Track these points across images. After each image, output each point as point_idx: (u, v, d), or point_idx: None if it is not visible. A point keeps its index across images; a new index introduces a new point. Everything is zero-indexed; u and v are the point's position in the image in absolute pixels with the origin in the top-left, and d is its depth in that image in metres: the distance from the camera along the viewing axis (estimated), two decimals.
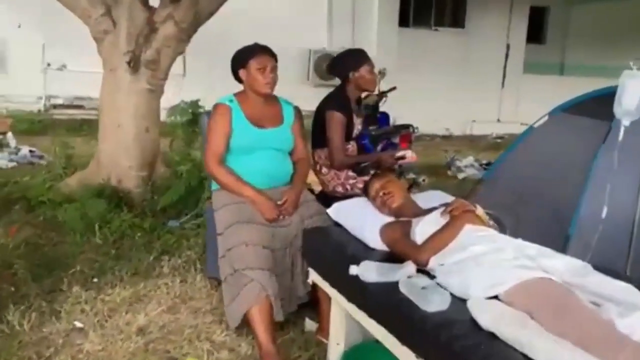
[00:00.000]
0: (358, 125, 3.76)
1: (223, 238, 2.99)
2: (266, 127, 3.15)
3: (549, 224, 3.94)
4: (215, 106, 3.15)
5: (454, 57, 11.65)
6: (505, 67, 12.18)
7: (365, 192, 2.93)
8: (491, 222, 2.51)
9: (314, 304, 3.11)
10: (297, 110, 3.40)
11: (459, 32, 12.06)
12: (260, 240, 2.90)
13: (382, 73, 6.26)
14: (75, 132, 8.62)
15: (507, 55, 12.10)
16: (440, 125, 11.33)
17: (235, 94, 3.19)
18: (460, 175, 7.23)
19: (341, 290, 2.49)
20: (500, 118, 12.14)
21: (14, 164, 6.94)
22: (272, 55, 3.17)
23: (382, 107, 6.12)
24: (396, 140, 5.13)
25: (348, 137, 3.64)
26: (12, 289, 3.32)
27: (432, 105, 10.92)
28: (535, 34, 13.14)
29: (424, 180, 5.14)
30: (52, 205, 4.59)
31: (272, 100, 3.24)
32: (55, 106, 10.69)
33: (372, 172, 3.50)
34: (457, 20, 12.15)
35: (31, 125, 9.46)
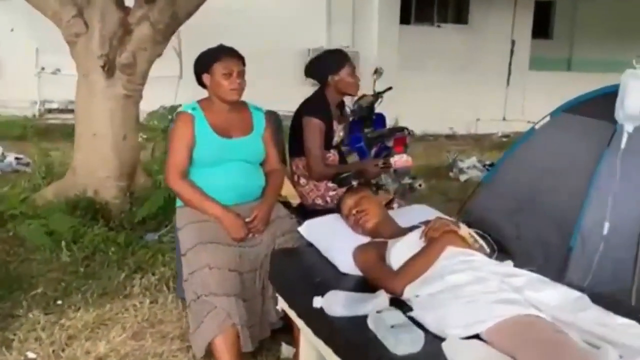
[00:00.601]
0: (340, 132, 3.47)
1: (186, 260, 2.72)
2: (233, 137, 2.86)
3: (550, 233, 3.66)
4: (177, 115, 2.88)
5: (458, 54, 11.30)
6: (510, 63, 11.81)
7: (338, 209, 2.65)
8: (477, 245, 2.21)
9: (290, 328, 2.83)
10: (271, 116, 3.12)
11: (463, 29, 11.72)
12: (226, 262, 2.62)
13: (379, 72, 5.99)
14: (69, 137, 8.36)
15: (512, 51, 11.74)
16: (443, 125, 11.01)
17: (199, 101, 2.91)
18: (463, 177, 6.92)
19: (308, 322, 2.21)
20: (505, 116, 11.79)
21: None
22: (240, 59, 2.89)
23: (378, 108, 5.87)
24: (390, 143, 4.87)
25: (328, 145, 3.35)
26: None
27: (436, 104, 10.60)
28: (542, 28, 12.73)
29: (420, 185, 4.85)
30: (23, 219, 4.34)
31: (240, 106, 2.96)
32: (50, 110, 10.51)
33: (354, 183, 3.22)
34: (460, 16, 11.81)
35: (24, 131, 9.22)
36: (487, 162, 7.15)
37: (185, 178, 2.80)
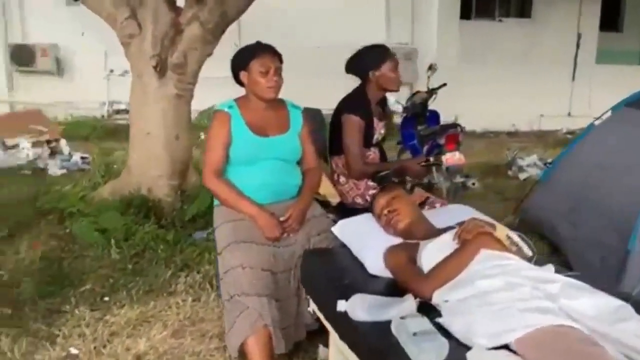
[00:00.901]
0: (381, 130, 3.38)
1: (221, 259, 2.72)
2: (269, 135, 2.84)
3: (608, 234, 3.47)
4: (213, 113, 2.87)
5: (520, 49, 10.92)
6: (576, 57, 11.30)
7: (371, 209, 2.57)
8: (514, 247, 2.08)
9: (326, 330, 2.77)
10: (310, 113, 3.07)
11: (526, 23, 11.30)
12: (259, 262, 2.59)
13: (433, 69, 5.84)
14: None
15: (578, 45, 11.23)
16: (505, 121, 10.66)
17: (237, 99, 2.90)
18: (522, 176, 6.65)
19: (334, 326, 2.15)
20: (571, 112, 11.30)
21: (64, 170, 6.95)
22: (277, 56, 2.85)
23: (433, 105, 5.73)
24: (442, 140, 4.73)
25: (368, 142, 3.27)
26: (9, 311, 3.15)
27: (497, 100, 10.27)
28: (611, 21, 12.11)
29: (473, 184, 4.71)
30: (79, 217, 4.46)
31: (277, 104, 2.93)
32: (117, 111, 10.83)
33: (394, 181, 3.13)
34: (523, 9, 11.40)
35: (92, 131, 9.55)
36: (549, 160, 6.84)
37: (221, 177, 2.79)
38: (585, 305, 1.70)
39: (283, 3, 10.00)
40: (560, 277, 1.87)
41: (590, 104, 10.63)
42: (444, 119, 5.79)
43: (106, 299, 3.43)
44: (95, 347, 2.88)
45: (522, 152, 7.76)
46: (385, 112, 3.49)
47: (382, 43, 3.42)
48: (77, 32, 10.00)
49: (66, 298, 3.38)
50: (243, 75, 2.84)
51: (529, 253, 2.21)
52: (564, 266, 3.69)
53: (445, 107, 5.96)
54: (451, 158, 4.50)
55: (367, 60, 3.27)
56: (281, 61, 2.86)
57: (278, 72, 2.83)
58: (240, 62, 2.85)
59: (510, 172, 6.92)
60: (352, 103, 3.24)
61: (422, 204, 2.80)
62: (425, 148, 5.04)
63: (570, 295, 1.73)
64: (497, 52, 10.66)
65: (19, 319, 3.10)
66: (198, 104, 5.05)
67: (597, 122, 4.27)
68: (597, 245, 3.47)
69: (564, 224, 3.91)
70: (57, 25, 10.00)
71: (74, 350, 2.86)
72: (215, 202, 2.91)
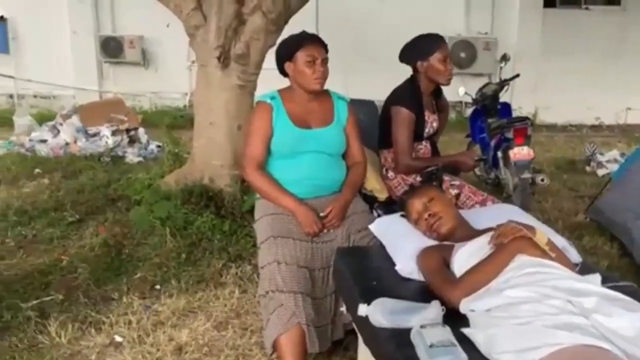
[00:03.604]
0: (433, 123, 3.22)
1: (260, 253, 2.67)
2: (312, 127, 2.76)
3: None
4: (256, 104, 2.83)
5: (608, 38, 10.30)
6: None
7: (406, 213, 2.43)
8: (554, 253, 1.90)
9: None
10: (365, 105, 2.97)
11: (614, 10, 10.65)
12: (295, 258, 2.54)
13: (506, 59, 5.57)
14: None
15: None
16: (590, 114, 10.09)
17: (280, 90, 2.84)
18: (601, 172, 6.25)
19: (359, 329, 2.06)
20: None
21: (140, 158, 7.17)
22: (323, 46, 2.77)
23: (505, 97, 5.46)
24: (510, 134, 4.49)
25: (419, 136, 3.12)
26: (60, 297, 3.25)
27: (582, 92, 9.75)
28: None
29: (542, 180, 4.45)
30: (140, 204, 4.56)
31: (322, 95, 2.84)
32: None
33: (446, 178, 2.98)
34: None
35: (174, 120, 9.81)
36: (629, 155, 6.40)
37: (262, 169, 2.75)
38: (622, 323, 1.51)
39: None
40: (599, 290, 1.68)
41: None
42: (525, 111, 5.54)
43: (157, 287, 3.48)
44: (139, 336, 2.92)
45: (604, 147, 7.30)
46: (440, 104, 3.32)
47: (437, 32, 3.22)
48: (162, 24, 10.27)
49: (119, 286, 3.46)
50: (288, 66, 2.77)
51: (575, 260, 2.04)
52: (634, 273, 3.45)
53: (525, 99, 5.70)
54: (519, 153, 4.30)
55: (416, 50, 3.12)
56: (327, 51, 2.78)
57: (324, 62, 2.75)
58: (286, 52, 2.78)
59: (588, 168, 6.54)
60: (402, 95, 3.11)
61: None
62: (493, 142, 4.81)
63: (606, 311, 1.55)
64: (583, 42, 10.09)
65: (70, 305, 3.19)
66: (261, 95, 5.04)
67: None
68: None
69: (637, 226, 3.61)
70: (144, 17, 10.33)
71: (118, 338, 2.90)
72: (257, 195, 2.87)
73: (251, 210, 4.48)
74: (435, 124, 3.23)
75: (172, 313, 3.15)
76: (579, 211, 4.77)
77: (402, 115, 3.03)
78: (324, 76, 2.75)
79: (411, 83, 3.16)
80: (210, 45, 4.64)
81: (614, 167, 6.09)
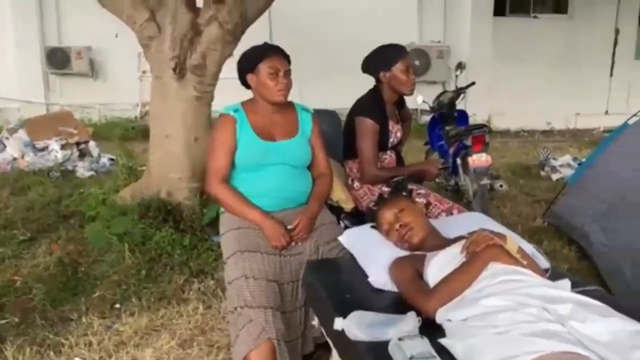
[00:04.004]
0: (397, 133, 3.23)
1: (226, 268, 2.62)
2: (277, 139, 2.73)
3: None
4: (219, 117, 2.78)
5: (556, 46, 10.64)
6: (614, 54, 10.94)
7: (376, 224, 2.42)
8: (526, 261, 1.92)
9: None
10: (328, 116, 2.95)
11: (562, 19, 11.01)
12: (264, 272, 2.49)
13: (462, 67, 5.66)
14: None
15: (616, 41, 10.85)
16: (541, 120, 10.37)
17: (243, 102, 2.80)
18: (555, 177, 6.42)
19: (334, 343, 2.03)
20: (608, 110, 10.94)
21: (92, 172, 6.98)
22: (285, 57, 2.75)
23: (461, 105, 5.55)
24: (468, 142, 4.56)
25: (383, 146, 3.13)
26: (16, 319, 3.12)
27: (532, 98, 10.03)
28: None
29: (501, 186, 4.54)
30: (95, 221, 4.43)
31: (286, 107, 2.81)
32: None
33: (411, 186, 2.98)
34: (559, 5, 11.11)
35: (126, 132, 9.63)
36: (584, 160, 6.59)
37: (226, 183, 2.70)
38: (597, 329, 1.53)
39: (313, 4, 9.93)
40: (573, 297, 1.70)
41: (628, 101, 10.28)
42: (479, 118, 5.63)
43: (117, 306, 3.38)
44: (100, 357, 2.83)
45: (556, 152, 7.50)
46: (403, 114, 3.34)
47: (398, 43, 3.24)
48: (110, 34, 10.09)
49: (77, 305, 3.34)
50: (250, 77, 2.74)
51: (543, 266, 2.06)
52: (593, 275, 3.53)
53: (478, 106, 5.81)
54: (478, 159, 4.36)
55: (378, 61, 3.13)
56: (290, 62, 2.76)
57: (287, 74, 2.72)
58: (248, 64, 2.74)
59: (542, 173, 6.70)
60: (366, 105, 3.11)
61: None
62: (451, 149, 4.88)
63: (581, 318, 1.57)
64: (532, 50, 10.40)
65: (26, 327, 3.07)
66: (218, 106, 4.99)
67: (631, 121, 4.05)
68: (628, 252, 3.26)
69: (594, 229, 3.71)
70: (92, 27, 10.15)
71: None
72: (221, 209, 2.82)
73: (211, 224, 4.45)
74: (399, 134, 3.24)
75: (135, 332, 3.06)
76: (536, 215, 4.87)
77: (367, 126, 3.03)
78: (288, 88, 2.72)
79: (374, 93, 3.16)
80: (165, 56, 4.56)
81: (567, 171, 6.27)
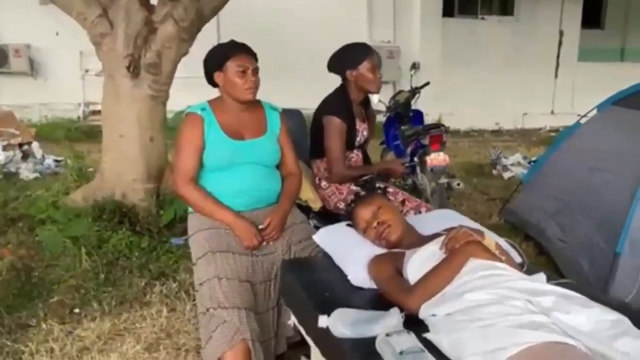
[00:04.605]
0: (364, 132, 3.24)
1: (196, 269, 2.57)
2: (246, 138, 2.69)
3: (596, 236, 3.37)
4: (185, 116, 2.72)
5: (503, 47, 10.92)
6: (558, 55, 11.32)
7: (353, 222, 2.42)
8: (504, 256, 1.96)
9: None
10: (295, 115, 2.93)
11: (508, 20, 11.31)
12: (237, 272, 2.46)
13: (416, 67, 5.74)
14: None
15: (560, 43, 11.24)
16: (489, 120, 10.64)
17: (210, 101, 2.74)
18: (506, 175, 6.59)
19: (316, 342, 2.02)
20: (554, 110, 11.32)
21: (36, 174, 6.73)
22: (253, 55, 2.71)
23: (417, 104, 5.62)
24: (426, 141, 4.62)
25: (351, 145, 3.14)
26: None
27: (481, 98, 10.25)
28: (592, 18, 12.09)
29: (458, 185, 4.62)
30: (50, 224, 4.27)
31: (254, 106, 2.78)
32: (94, 112, 10.57)
33: (378, 185, 3.00)
34: (505, 7, 11.39)
35: (68, 133, 9.32)
36: (533, 159, 6.78)
37: (194, 183, 2.64)
38: (580, 319, 1.57)
39: (264, 4, 9.86)
40: (554, 289, 1.74)
41: (573, 101, 10.66)
42: (429, 118, 5.72)
43: (76, 310, 3.28)
44: None
45: (507, 150, 7.71)
46: (368, 113, 3.35)
47: (364, 42, 3.26)
48: (51, 32, 9.78)
49: (34, 311, 3.22)
50: (218, 76, 2.69)
51: (519, 261, 2.11)
52: (551, 270, 3.64)
53: (429, 106, 5.89)
54: (435, 159, 4.43)
55: (345, 59, 3.14)
56: (257, 60, 2.73)
57: (255, 72, 2.69)
58: (215, 61, 2.69)
59: (494, 172, 6.86)
60: (333, 104, 3.11)
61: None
62: (409, 149, 4.93)
63: (564, 309, 1.61)
64: (480, 50, 10.64)
65: None
66: (173, 105, 4.90)
67: (582, 121, 4.19)
68: (585, 247, 3.38)
69: (551, 225, 3.82)
70: (31, 25, 9.77)
71: None
72: (190, 209, 2.76)
73: (170, 225, 4.37)
74: (365, 133, 3.25)
75: (98, 337, 2.98)
76: (492, 213, 4.99)
77: (334, 125, 3.02)
78: (256, 86, 2.69)
79: (341, 92, 3.16)
80: (118, 54, 4.45)
81: (519, 170, 6.44)
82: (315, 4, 10.11)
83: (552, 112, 11.26)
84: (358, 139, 3.19)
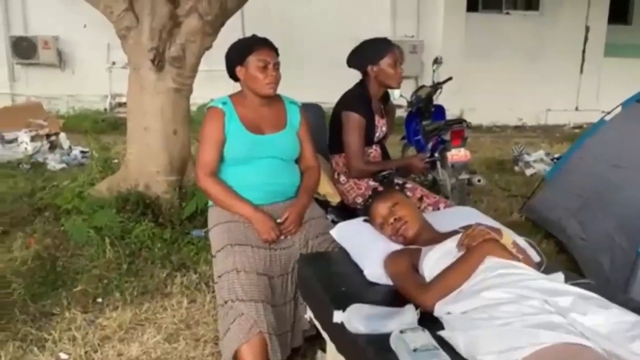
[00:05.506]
0: (382, 127, 3.25)
1: (215, 262, 2.61)
2: (266, 133, 2.72)
3: (618, 235, 3.33)
4: (207, 110, 2.75)
5: (528, 42, 10.77)
6: (584, 50, 11.14)
7: (369, 218, 2.43)
8: (522, 255, 1.96)
9: None
10: (312, 109, 2.94)
11: (533, 15, 11.14)
12: (254, 265, 2.49)
13: (438, 62, 5.70)
14: None
15: (586, 38, 11.07)
16: (512, 115, 10.54)
17: (232, 95, 2.78)
18: (529, 172, 6.52)
19: (331, 336, 2.04)
20: (578, 106, 11.16)
21: (63, 165, 6.84)
22: (274, 50, 2.73)
23: (439, 99, 5.59)
24: (447, 136, 4.60)
25: (369, 140, 3.14)
26: None
27: (504, 94, 10.15)
28: (619, 13, 11.84)
29: (479, 181, 4.59)
30: (75, 214, 4.35)
31: (274, 100, 2.80)
32: (120, 104, 10.71)
33: (396, 181, 3.00)
34: (530, 2, 11.22)
35: (95, 124, 9.45)
36: (556, 155, 6.70)
37: (215, 176, 2.68)
38: (597, 321, 1.57)
39: None
40: (572, 289, 1.74)
41: (598, 98, 10.49)
42: (450, 113, 5.68)
43: (99, 300, 3.34)
44: (86, 352, 2.79)
45: (529, 147, 7.63)
46: (387, 108, 3.35)
47: (385, 37, 3.26)
48: (79, 25, 9.92)
49: (58, 300, 3.28)
50: (239, 70, 2.71)
51: (539, 260, 2.11)
52: (572, 269, 3.61)
53: (451, 101, 5.86)
54: (456, 154, 4.41)
55: (366, 54, 3.14)
56: (278, 55, 2.75)
57: (276, 67, 2.71)
58: (237, 56, 2.72)
59: (516, 168, 6.80)
60: (352, 99, 3.12)
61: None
62: (430, 144, 4.91)
63: (582, 310, 1.60)
64: (504, 46, 10.52)
65: (7, 323, 3.00)
66: (197, 98, 4.94)
67: (607, 118, 4.14)
68: (607, 246, 3.34)
69: (573, 223, 3.79)
70: (59, 17, 9.96)
71: (63, 356, 2.76)
72: (210, 202, 2.80)
73: (192, 217, 4.41)
74: (384, 128, 3.26)
75: (119, 327, 3.03)
76: (513, 210, 4.95)
77: (353, 120, 3.03)
78: (277, 81, 2.71)
79: (361, 88, 3.17)
80: (143, 47, 4.49)
81: (541, 166, 6.37)
82: None
83: (577, 109, 11.11)
84: (377, 134, 3.20)
